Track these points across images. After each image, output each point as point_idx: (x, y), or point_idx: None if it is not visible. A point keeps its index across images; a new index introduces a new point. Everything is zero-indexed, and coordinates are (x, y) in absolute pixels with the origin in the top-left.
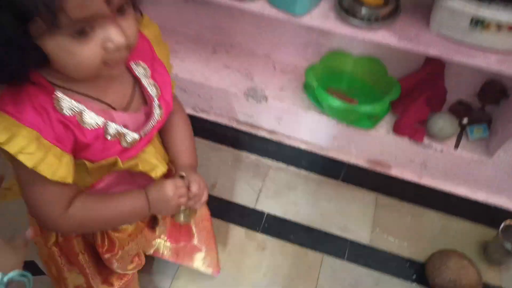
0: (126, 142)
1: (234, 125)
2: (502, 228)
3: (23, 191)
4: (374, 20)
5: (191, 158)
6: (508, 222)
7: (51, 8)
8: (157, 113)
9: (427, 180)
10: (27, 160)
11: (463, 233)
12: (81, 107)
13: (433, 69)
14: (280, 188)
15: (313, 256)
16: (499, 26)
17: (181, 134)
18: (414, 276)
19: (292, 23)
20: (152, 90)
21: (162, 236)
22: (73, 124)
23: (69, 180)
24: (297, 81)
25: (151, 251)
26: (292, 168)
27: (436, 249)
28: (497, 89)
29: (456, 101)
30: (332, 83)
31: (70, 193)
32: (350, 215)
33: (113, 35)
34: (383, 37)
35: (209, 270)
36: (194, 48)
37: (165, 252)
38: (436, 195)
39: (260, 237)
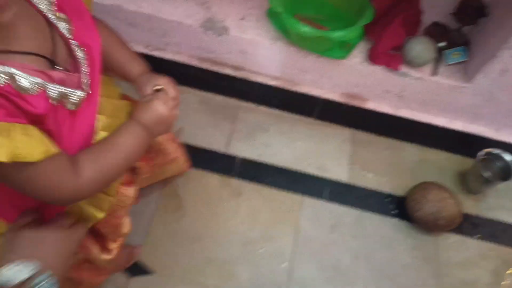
0: (70, 103)
1: (195, 63)
2: (480, 157)
3: (19, 187)
4: None
5: (141, 63)
6: (486, 151)
7: None
8: (80, 55)
9: (404, 112)
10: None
11: (441, 165)
12: (7, 69)
13: None
14: (251, 130)
15: (291, 198)
16: None
17: (117, 45)
18: (394, 211)
19: None
20: (61, 25)
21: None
22: (13, 94)
23: (54, 150)
24: (260, 8)
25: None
26: (263, 108)
27: (416, 182)
28: (475, 7)
29: (431, 23)
30: (299, 9)
31: (66, 159)
32: (327, 153)
33: None
34: None
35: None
36: None
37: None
38: (413, 127)
39: (235, 182)
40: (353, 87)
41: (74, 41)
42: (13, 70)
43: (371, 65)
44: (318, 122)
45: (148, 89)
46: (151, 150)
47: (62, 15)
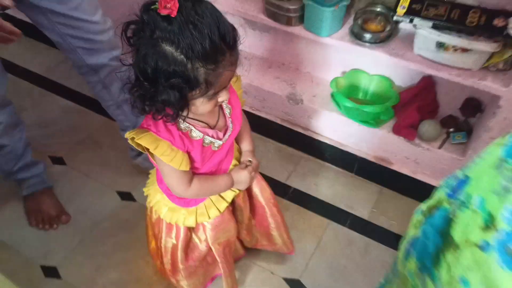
0: (214, 146)
1: (278, 121)
2: None
3: (163, 176)
4: (374, 42)
5: (251, 145)
6: None
7: (209, 85)
8: (230, 126)
9: (420, 176)
10: (165, 158)
11: None
12: (190, 126)
13: (425, 85)
14: (306, 172)
15: (322, 220)
16: (455, 48)
17: (244, 130)
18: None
19: (324, 44)
20: (227, 110)
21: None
22: (186, 137)
23: (187, 168)
24: (327, 91)
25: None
26: (318, 160)
27: None
28: (474, 105)
29: (447, 115)
30: (352, 94)
31: (189, 176)
32: (356, 198)
33: (225, 96)
34: (379, 54)
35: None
36: (256, 63)
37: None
38: (426, 189)
39: (286, 202)
40: (382, 151)
41: (230, 118)
42: (191, 127)
43: (395, 136)
44: (356, 176)
45: (245, 159)
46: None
47: (229, 106)
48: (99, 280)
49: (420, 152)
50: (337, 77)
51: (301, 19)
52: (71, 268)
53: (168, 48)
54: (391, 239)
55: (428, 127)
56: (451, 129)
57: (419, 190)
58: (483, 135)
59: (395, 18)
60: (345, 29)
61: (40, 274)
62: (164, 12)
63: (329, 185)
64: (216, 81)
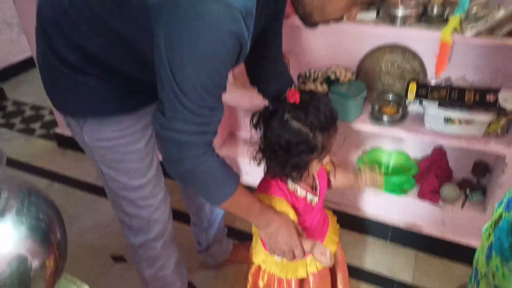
0: (313, 202)
1: None
2: None
3: None
4: (392, 122)
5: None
6: None
7: (323, 148)
8: (318, 183)
9: (448, 235)
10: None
11: None
12: (296, 186)
13: (438, 155)
14: (345, 246)
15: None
16: (460, 121)
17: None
18: None
19: (350, 128)
20: (316, 178)
21: None
22: (293, 195)
23: (296, 219)
24: (355, 168)
25: None
26: (353, 233)
27: None
28: (482, 166)
29: (461, 178)
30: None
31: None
32: (396, 264)
33: (327, 158)
34: (398, 131)
35: None
36: None
37: None
38: (458, 248)
39: None
40: (411, 217)
41: (317, 178)
42: (297, 187)
43: (420, 201)
44: (390, 244)
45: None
46: None
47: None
48: None
49: (445, 213)
50: (361, 155)
51: None
52: None
53: (296, 124)
54: None
55: (448, 190)
56: (467, 190)
57: (450, 250)
58: (497, 191)
59: (407, 102)
60: (365, 114)
61: None
62: (291, 101)
63: (368, 255)
64: (327, 144)
